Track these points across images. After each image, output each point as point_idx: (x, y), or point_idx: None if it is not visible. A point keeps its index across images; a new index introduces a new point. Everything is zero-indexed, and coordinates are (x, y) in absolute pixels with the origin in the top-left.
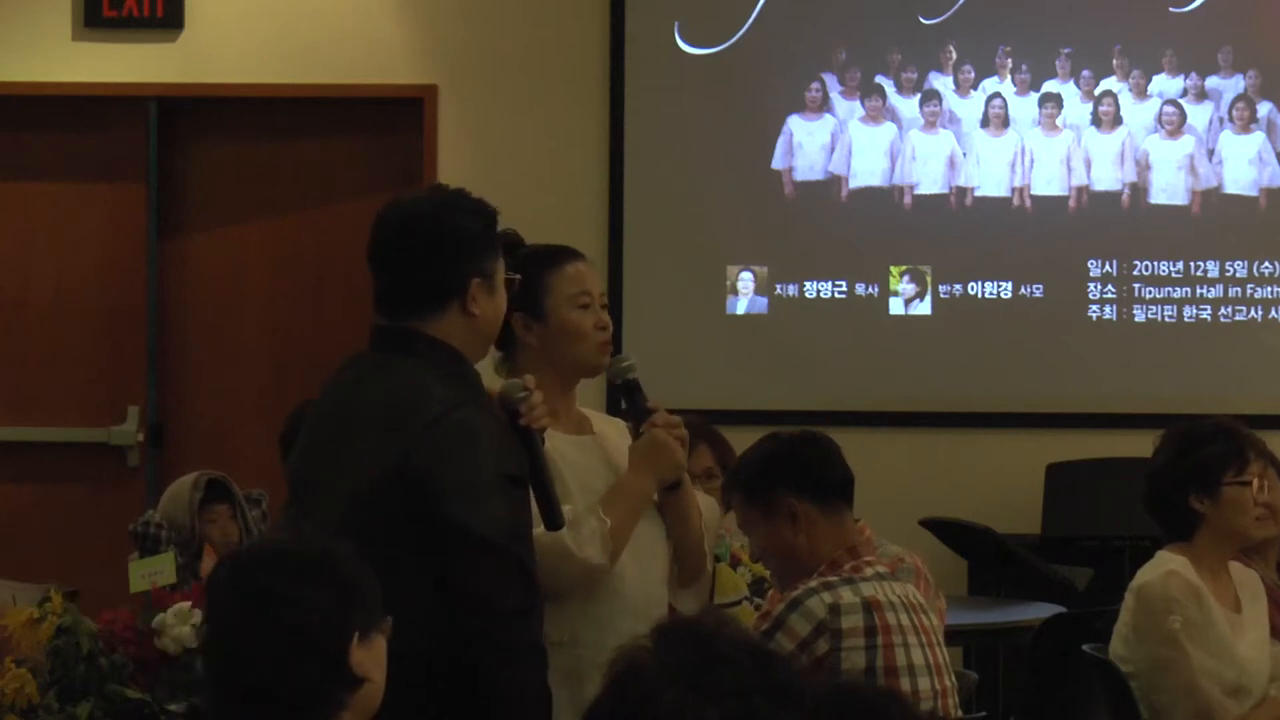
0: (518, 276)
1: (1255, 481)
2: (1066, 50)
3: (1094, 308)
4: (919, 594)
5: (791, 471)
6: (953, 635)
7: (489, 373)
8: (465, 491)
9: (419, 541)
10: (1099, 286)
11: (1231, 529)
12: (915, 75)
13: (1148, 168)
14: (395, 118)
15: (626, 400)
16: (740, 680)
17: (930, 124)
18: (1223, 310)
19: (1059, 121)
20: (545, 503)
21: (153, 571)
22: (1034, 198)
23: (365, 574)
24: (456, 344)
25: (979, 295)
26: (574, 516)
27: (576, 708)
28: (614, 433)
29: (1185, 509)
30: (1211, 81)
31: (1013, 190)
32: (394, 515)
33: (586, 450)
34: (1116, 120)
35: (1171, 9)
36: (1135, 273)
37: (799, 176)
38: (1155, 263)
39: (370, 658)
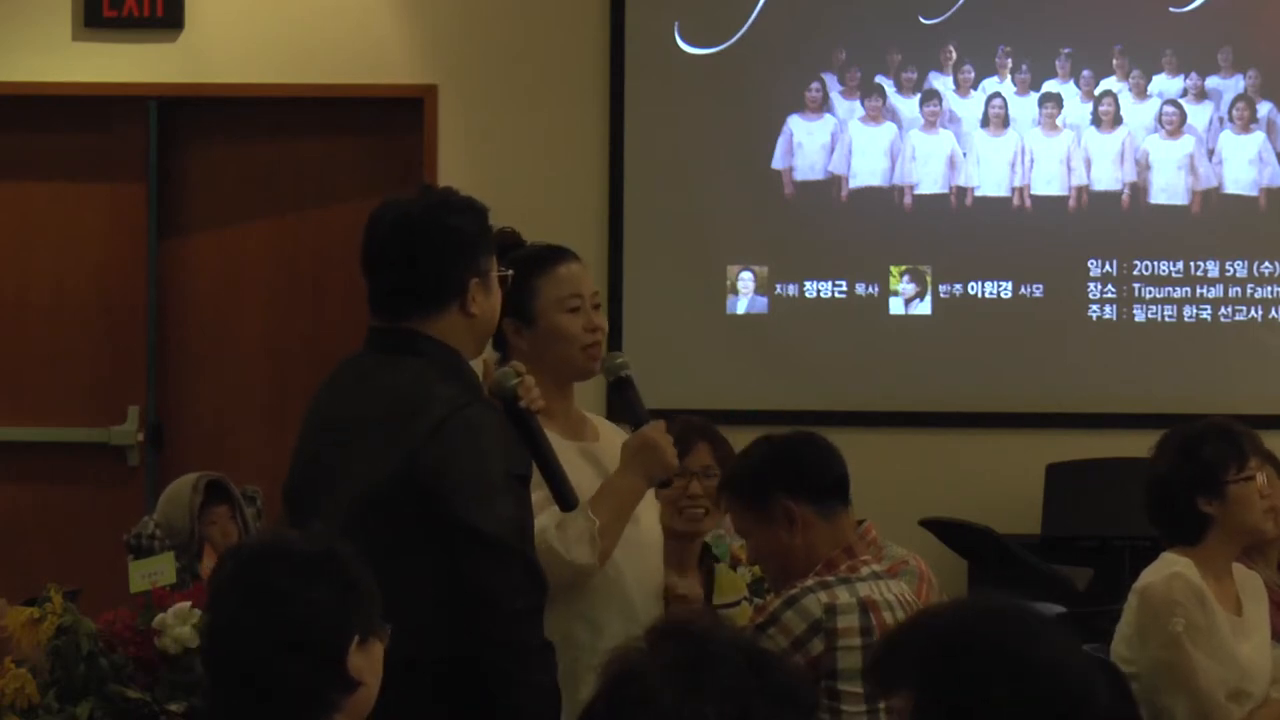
0: (510, 272)
1: (1259, 475)
2: (1066, 50)
3: (1094, 308)
4: (918, 595)
5: (786, 474)
6: None
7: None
8: (475, 492)
9: (428, 542)
10: (1099, 286)
11: (1242, 526)
12: (915, 75)
13: (1148, 168)
14: (395, 118)
15: (620, 398)
16: (738, 681)
17: (930, 124)
18: (1223, 310)
19: (1059, 121)
20: (556, 484)
21: (153, 572)
22: (1034, 198)
23: (367, 578)
24: (456, 343)
25: (979, 295)
26: (562, 517)
27: (571, 710)
28: (617, 440)
29: (1194, 513)
30: (1211, 81)
31: (1013, 190)
32: (403, 516)
33: (580, 455)
34: (1116, 120)
35: (1171, 9)
36: (1135, 273)
37: (799, 176)
38: (1155, 263)
39: (367, 663)
